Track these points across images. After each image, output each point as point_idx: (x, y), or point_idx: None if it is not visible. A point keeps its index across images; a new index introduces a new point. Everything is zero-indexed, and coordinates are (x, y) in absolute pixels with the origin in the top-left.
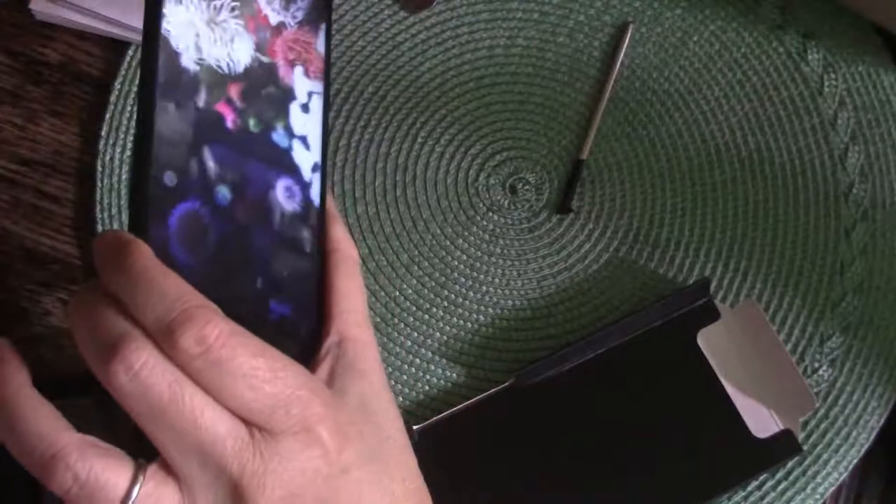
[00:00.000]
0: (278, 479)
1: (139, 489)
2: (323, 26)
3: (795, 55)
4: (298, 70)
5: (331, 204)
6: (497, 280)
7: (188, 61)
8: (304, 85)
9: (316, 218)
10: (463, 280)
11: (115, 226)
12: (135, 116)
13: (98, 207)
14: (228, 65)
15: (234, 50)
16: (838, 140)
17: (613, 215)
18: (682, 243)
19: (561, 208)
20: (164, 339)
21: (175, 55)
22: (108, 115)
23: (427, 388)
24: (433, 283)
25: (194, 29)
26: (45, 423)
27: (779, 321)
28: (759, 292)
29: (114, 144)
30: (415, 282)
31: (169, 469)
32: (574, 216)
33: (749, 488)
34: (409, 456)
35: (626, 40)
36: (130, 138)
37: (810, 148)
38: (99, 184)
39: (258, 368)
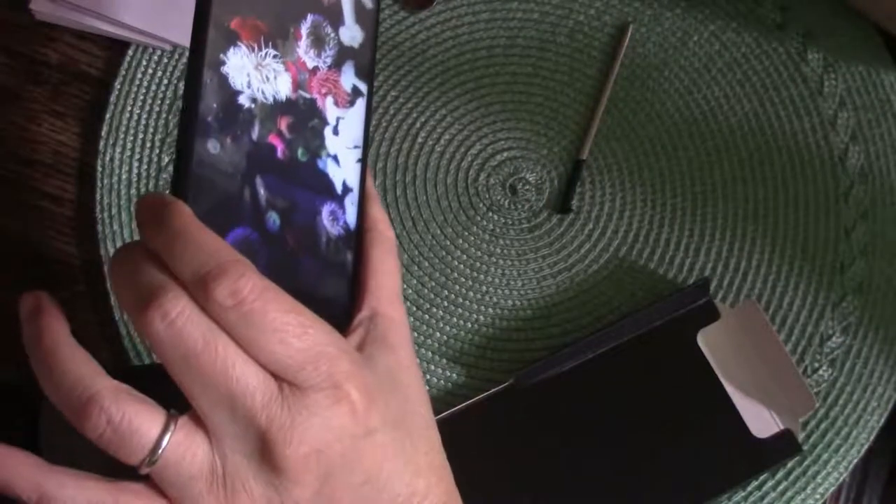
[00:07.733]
0: (305, 433)
1: (170, 437)
2: (350, 63)
3: (795, 55)
4: (329, 100)
5: (370, 184)
6: (497, 280)
7: (244, 99)
8: (333, 112)
9: (353, 238)
10: (463, 280)
11: (115, 226)
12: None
13: (98, 207)
14: (274, 96)
15: (277, 84)
16: (838, 140)
17: (613, 215)
18: (682, 243)
19: (561, 208)
20: (200, 291)
21: (234, 94)
22: (108, 115)
23: (427, 388)
24: (433, 283)
25: (246, 70)
26: (82, 368)
27: (779, 321)
28: (759, 292)
29: (114, 144)
30: (415, 282)
31: (199, 421)
32: (574, 216)
33: (749, 488)
34: (433, 431)
35: (626, 40)
36: (130, 138)
37: (810, 148)
38: (99, 184)
39: (288, 324)
